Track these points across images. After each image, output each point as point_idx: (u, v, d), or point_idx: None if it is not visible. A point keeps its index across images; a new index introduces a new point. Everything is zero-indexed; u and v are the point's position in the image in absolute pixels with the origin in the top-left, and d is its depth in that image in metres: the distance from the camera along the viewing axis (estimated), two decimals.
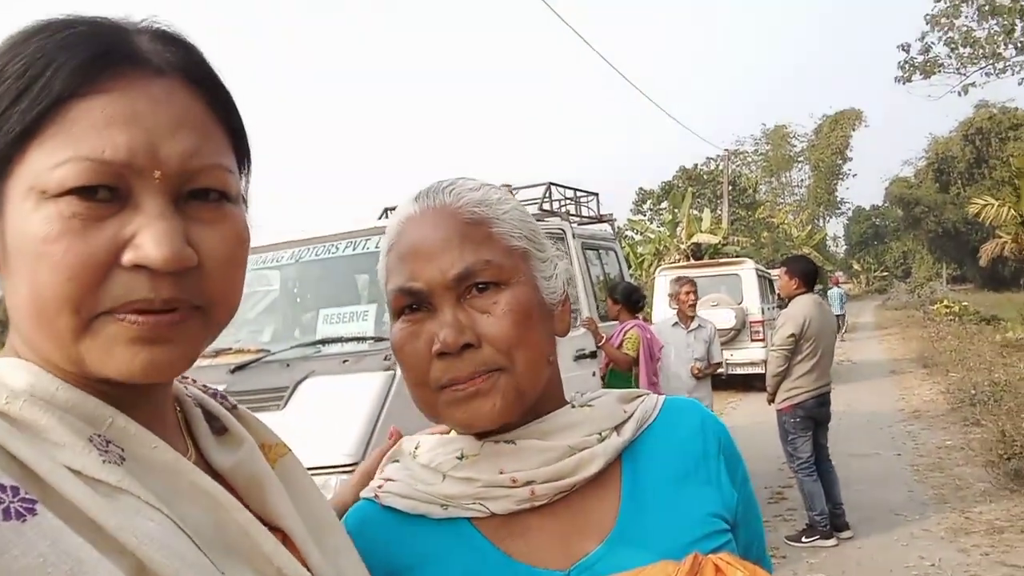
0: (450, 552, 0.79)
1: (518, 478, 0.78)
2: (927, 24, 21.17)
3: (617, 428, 0.83)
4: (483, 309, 0.76)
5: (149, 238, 0.54)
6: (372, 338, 3.99)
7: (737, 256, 17.96)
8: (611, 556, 0.77)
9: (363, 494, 0.87)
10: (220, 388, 0.75)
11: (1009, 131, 38.68)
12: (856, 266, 62.85)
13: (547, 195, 6.28)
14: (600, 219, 7.19)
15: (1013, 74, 20.47)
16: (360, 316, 4.16)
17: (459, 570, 0.78)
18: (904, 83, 21.81)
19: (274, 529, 0.63)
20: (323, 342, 4.08)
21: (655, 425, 0.86)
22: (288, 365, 3.87)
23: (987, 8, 19.89)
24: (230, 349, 4.30)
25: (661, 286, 11.61)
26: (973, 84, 21.15)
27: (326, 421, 3.47)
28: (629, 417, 0.85)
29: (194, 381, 0.72)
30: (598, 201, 7.12)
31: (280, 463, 0.71)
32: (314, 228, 4.81)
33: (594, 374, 5.11)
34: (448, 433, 0.86)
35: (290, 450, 0.73)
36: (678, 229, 22.18)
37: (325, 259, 4.57)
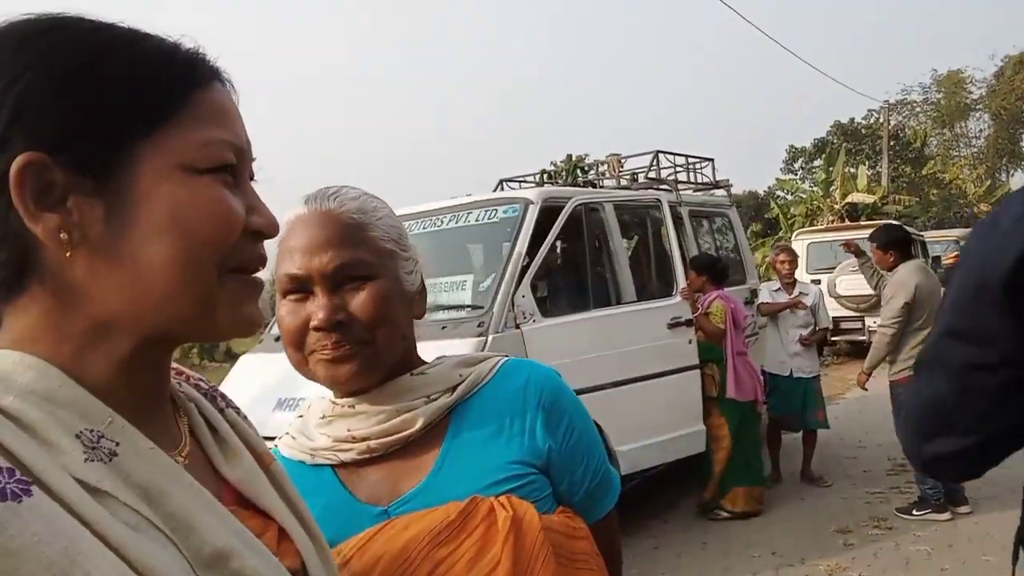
0: (316, 491, 0.96)
1: (357, 435, 0.98)
2: None
3: (452, 389, 1.00)
4: (354, 295, 0.95)
5: (264, 211, 0.63)
6: (469, 306, 4.32)
7: (899, 217, 16.82)
8: (421, 496, 0.95)
9: (275, 443, 1.06)
10: (211, 385, 0.77)
11: None
12: None
13: (654, 163, 6.31)
14: (716, 185, 7.11)
15: None
16: (459, 286, 4.50)
17: (320, 505, 0.92)
18: None
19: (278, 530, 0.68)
20: None
21: (487, 386, 1.02)
22: None
23: None
24: None
25: (800, 251, 11.20)
26: None
27: None
28: (463, 380, 1.01)
29: (187, 378, 0.74)
30: (713, 167, 7.02)
31: (273, 468, 0.73)
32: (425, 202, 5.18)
33: (690, 342, 5.16)
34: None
35: (276, 459, 0.76)
36: (831, 188, 20.93)
37: (430, 232, 4.93)
